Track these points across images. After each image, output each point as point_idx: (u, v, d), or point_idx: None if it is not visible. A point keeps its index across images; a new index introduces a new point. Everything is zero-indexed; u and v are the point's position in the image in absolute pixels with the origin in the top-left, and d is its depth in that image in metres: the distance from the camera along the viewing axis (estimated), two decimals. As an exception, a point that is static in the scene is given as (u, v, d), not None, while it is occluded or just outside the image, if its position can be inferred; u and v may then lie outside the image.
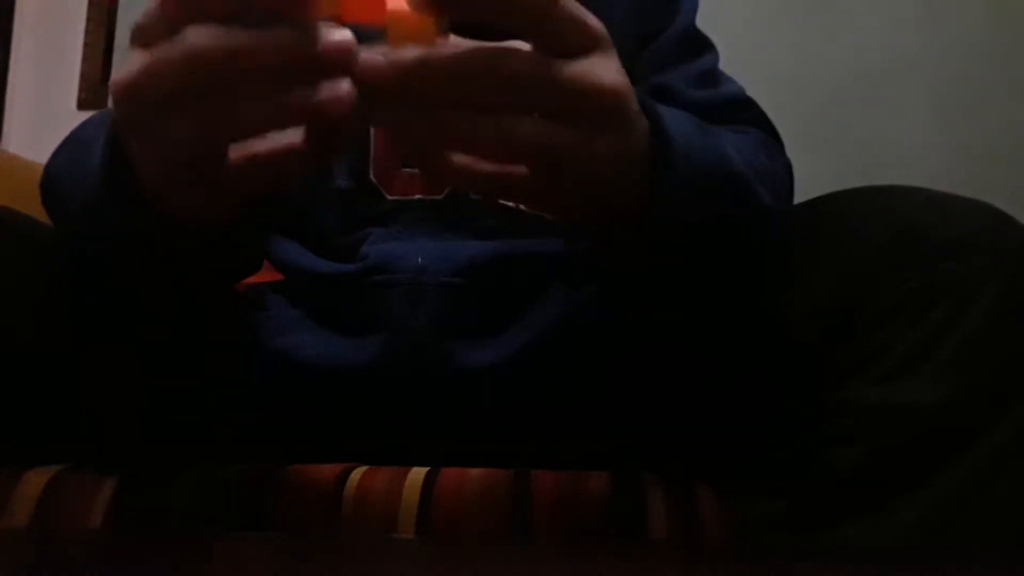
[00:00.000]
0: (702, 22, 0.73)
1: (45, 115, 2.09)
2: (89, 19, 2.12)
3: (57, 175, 0.52)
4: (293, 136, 0.36)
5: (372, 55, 0.35)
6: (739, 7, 1.64)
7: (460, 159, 0.39)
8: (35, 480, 0.52)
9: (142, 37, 0.36)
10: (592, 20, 0.39)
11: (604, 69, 0.38)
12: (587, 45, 0.38)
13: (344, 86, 0.34)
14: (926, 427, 0.41)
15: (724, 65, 0.72)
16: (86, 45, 2.11)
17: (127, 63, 0.36)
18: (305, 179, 0.61)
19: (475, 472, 0.51)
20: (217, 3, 0.34)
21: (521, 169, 0.40)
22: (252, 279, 0.63)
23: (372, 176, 0.61)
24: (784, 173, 0.63)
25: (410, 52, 0.35)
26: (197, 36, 0.34)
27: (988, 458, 0.40)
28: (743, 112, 0.66)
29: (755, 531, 0.46)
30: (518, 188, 0.41)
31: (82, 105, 2.10)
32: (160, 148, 0.38)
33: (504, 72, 0.36)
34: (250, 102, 0.35)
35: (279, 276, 0.64)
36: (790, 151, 0.66)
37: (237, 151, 0.37)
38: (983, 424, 0.40)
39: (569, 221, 0.47)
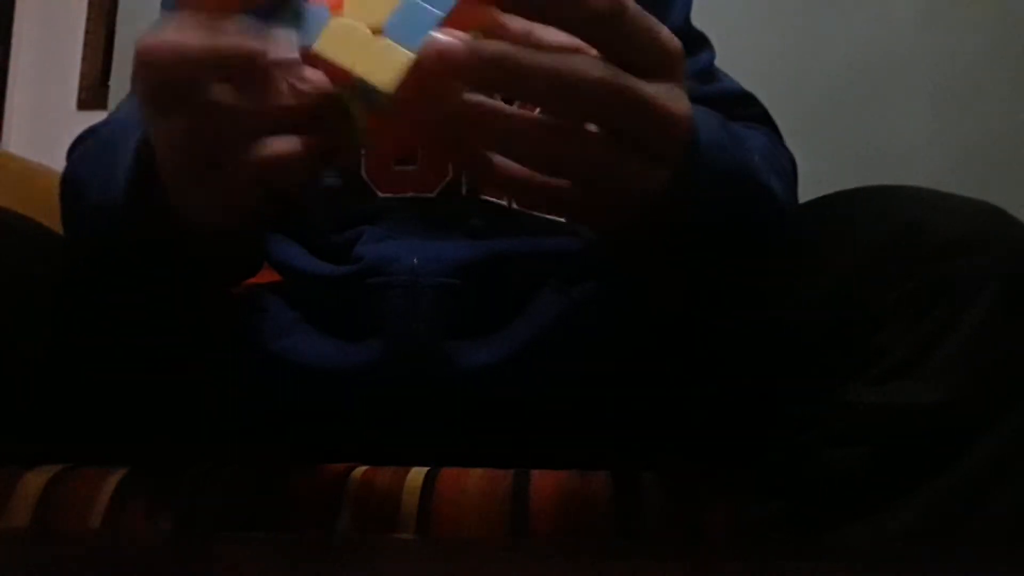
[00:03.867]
0: (699, 19, 0.73)
1: (45, 115, 2.10)
2: (89, 19, 2.12)
3: (81, 174, 0.52)
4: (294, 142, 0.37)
5: (449, 39, 0.33)
6: (736, 4, 1.64)
7: (502, 161, 0.37)
8: (35, 480, 0.52)
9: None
10: (667, 36, 0.37)
11: (678, 98, 0.37)
12: (660, 65, 0.36)
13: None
14: (926, 428, 0.41)
15: (721, 63, 0.72)
16: (86, 45, 2.11)
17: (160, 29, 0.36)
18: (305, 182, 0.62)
19: (475, 472, 0.51)
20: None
21: (563, 181, 0.38)
22: (251, 280, 0.63)
23: (364, 173, 0.61)
24: (789, 167, 0.62)
25: (492, 43, 0.33)
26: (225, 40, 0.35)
27: (988, 459, 0.40)
28: (746, 109, 0.66)
29: (755, 531, 0.46)
30: (557, 200, 0.39)
31: (82, 105, 2.10)
32: (177, 133, 0.38)
33: (573, 75, 0.34)
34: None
35: (277, 277, 0.64)
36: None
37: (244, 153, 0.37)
38: (983, 425, 0.40)
39: (594, 229, 0.45)
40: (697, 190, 0.42)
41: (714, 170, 0.43)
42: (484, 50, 0.33)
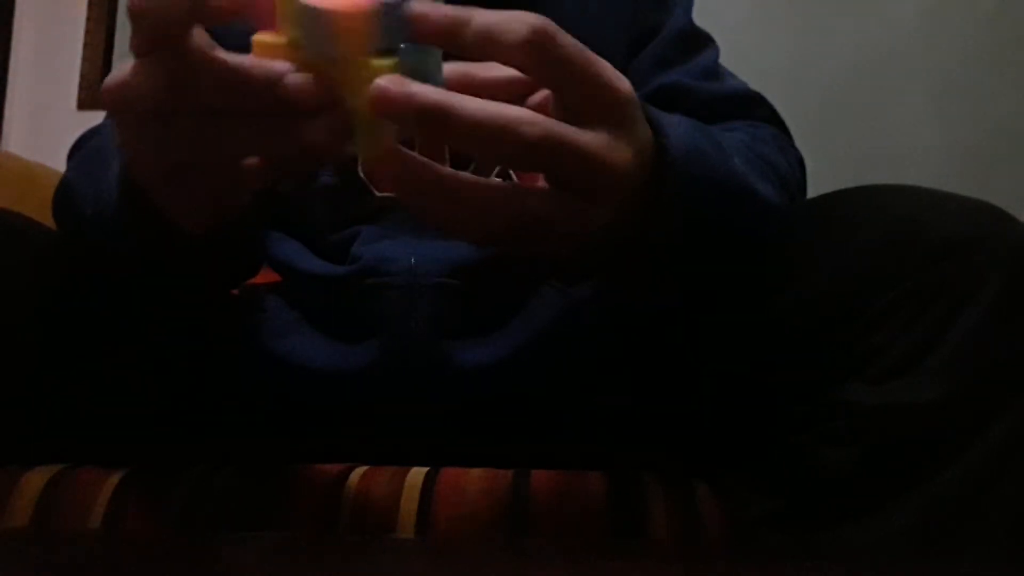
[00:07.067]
0: (701, 19, 0.73)
1: (45, 115, 2.09)
2: (89, 19, 2.12)
3: (74, 183, 0.52)
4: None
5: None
6: (738, 4, 1.65)
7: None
8: (35, 480, 0.52)
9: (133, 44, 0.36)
10: (611, 76, 0.37)
11: (617, 147, 0.37)
12: (604, 106, 0.37)
13: (318, 129, 0.34)
14: (923, 427, 0.41)
15: (723, 63, 0.71)
16: (86, 45, 2.11)
17: (120, 68, 0.37)
18: (293, 179, 0.62)
19: (475, 472, 0.51)
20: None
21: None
22: (251, 280, 0.63)
23: (361, 172, 0.61)
24: (797, 167, 0.62)
25: (430, 91, 0.34)
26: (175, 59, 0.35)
27: (985, 458, 0.40)
28: (754, 108, 0.65)
29: (754, 531, 0.46)
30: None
31: (82, 105, 2.10)
32: (144, 154, 0.39)
33: (505, 129, 0.34)
34: (227, 126, 0.35)
35: (277, 277, 0.64)
36: (789, 150, 0.66)
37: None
38: (980, 424, 0.40)
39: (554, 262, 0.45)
40: (675, 201, 0.42)
41: (692, 180, 0.42)
42: (420, 98, 0.33)
